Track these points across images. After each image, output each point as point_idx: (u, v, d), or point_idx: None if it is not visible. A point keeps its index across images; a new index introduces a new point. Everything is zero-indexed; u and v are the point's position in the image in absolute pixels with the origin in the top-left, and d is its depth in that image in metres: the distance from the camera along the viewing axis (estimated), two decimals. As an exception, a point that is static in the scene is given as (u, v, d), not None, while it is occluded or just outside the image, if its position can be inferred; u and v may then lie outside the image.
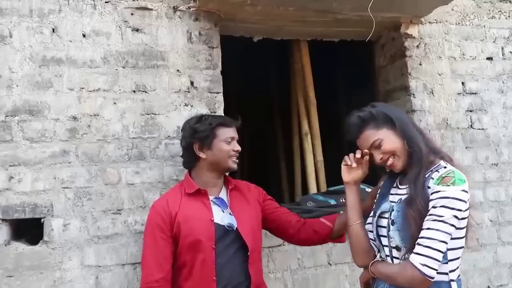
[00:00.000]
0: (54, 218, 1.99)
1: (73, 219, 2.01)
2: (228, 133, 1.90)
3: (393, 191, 1.59)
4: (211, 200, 1.85)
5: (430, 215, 1.36)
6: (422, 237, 1.35)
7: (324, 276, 2.33)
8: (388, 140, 1.51)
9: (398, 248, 1.46)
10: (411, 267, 1.34)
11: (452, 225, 1.34)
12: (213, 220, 1.78)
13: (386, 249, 1.52)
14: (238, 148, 1.92)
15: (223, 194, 1.91)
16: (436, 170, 1.44)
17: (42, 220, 1.99)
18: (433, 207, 1.36)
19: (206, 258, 1.73)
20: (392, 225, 1.46)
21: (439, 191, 1.37)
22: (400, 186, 1.57)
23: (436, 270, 1.34)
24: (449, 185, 1.36)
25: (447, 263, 1.40)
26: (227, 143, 1.88)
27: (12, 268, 1.92)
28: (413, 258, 1.35)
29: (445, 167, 1.44)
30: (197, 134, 1.88)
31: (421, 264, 1.33)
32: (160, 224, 1.77)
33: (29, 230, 2.00)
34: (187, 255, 1.76)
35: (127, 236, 2.06)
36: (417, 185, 1.42)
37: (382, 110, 1.56)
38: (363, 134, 1.56)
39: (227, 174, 1.99)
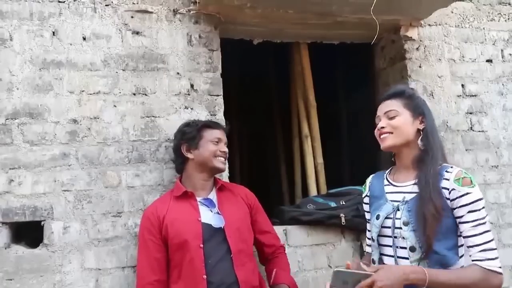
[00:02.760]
0: (54, 221, 1.99)
1: (73, 222, 2.01)
2: (215, 134, 1.96)
3: (388, 189, 1.58)
4: (199, 201, 1.89)
5: (476, 220, 1.38)
6: (485, 243, 1.38)
7: (324, 278, 2.32)
8: (402, 119, 1.52)
9: (412, 249, 1.43)
10: (493, 274, 1.36)
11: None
12: (200, 220, 1.82)
13: (389, 249, 1.50)
14: (225, 149, 1.98)
15: (212, 195, 1.94)
16: (446, 170, 1.45)
17: (42, 223, 1.98)
18: (471, 211, 1.38)
19: (194, 257, 1.76)
20: (406, 225, 1.44)
21: (468, 193, 1.39)
22: (396, 184, 1.56)
23: None
24: (473, 187, 1.40)
25: (458, 260, 1.42)
26: (214, 143, 1.94)
27: (12, 271, 1.92)
28: (491, 264, 1.36)
29: (451, 167, 1.46)
30: (184, 135, 1.96)
31: (499, 267, 1.38)
32: (149, 228, 1.84)
33: (29, 233, 2.00)
34: (176, 256, 1.80)
35: (127, 239, 2.06)
36: (431, 184, 1.43)
37: (422, 101, 1.58)
38: (390, 101, 1.57)
39: (216, 176, 2.03)
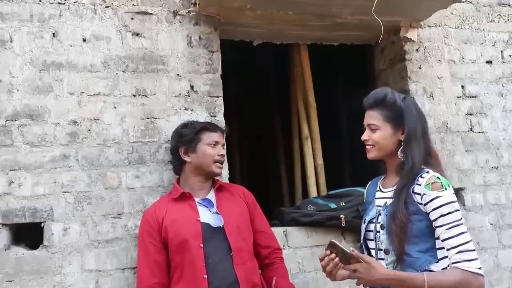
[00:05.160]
0: (54, 222, 1.99)
1: (73, 223, 2.01)
2: (213, 137, 1.95)
3: (377, 195, 1.63)
4: (197, 202, 1.89)
5: (449, 222, 1.40)
6: (461, 244, 1.38)
7: (324, 280, 2.30)
8: (382, 134, 1.55)
9: (386, 251, 1.49)
10: (473, 276, 1.35)
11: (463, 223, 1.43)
12: (199, 220, 1.82)
13: (373, 252, 1.57)
14: (223, 152, 1.98)
15: (210, 195, 1.94)
16: (420, 176, 1.48)
17: (42, 224, 1.98)
18: (443, 214, 1.40)
19: (195, 257, 1.76)
20: (382, 229, 1.50)
21: (438, 197, 1.42)
22: (383, 189, 1.62)
23: None
24: (443, 190, 1.43)
25: (437, 262, 1.45)
26: (211, 146, 1.94)
27: (12, 273, 1.91)
28: (470, 265, 1.36)
29: (427, 172, 1.49)
30: (182, 138, 1.96)
31: (478, 268, 1.37)
32: (148, 230, 1.84)
33: (29, 234, 1.99)
34: (176, 257, 1.80)
35: (127, 240, 2.06)
36: (400, 199, 1.47)
37: (406, 109, 1.56)
38: (372, 111, 1.59)
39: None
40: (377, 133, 1.56)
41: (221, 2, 2.23)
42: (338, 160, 4.22)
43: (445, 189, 1.43)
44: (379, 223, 1.53)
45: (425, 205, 1.44)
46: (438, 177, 1.46)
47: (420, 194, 1.45)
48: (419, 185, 1.46)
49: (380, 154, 1.58)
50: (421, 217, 1.45)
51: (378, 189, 1.65)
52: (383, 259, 1.50)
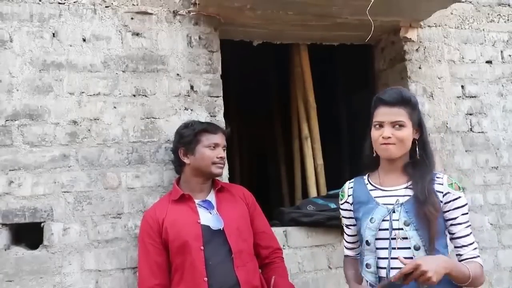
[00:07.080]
0: (54, 222, 1.99)
1: (73, 223, 2.01)
2: (212, 139, 1.93)
3: (375, 193, 1.59)
4: (197, 204, 1.88)
5: (467, 221, 1.51)
6: (474, 242, 1.50)
7: (324, 280, 2.32)
8: (408, 131, 1.54)
9: (417, 247, 1.47)
10: (482, 269, 1.47)
11: None
12: (199, 222, 1.81)
13: (384, 252, 1.52)
14: (223, 155, 1.95)
15: (210, 197, 1.94)
16: (436, 176, 1.55)
17: (42, 224, 1.98)
18: (464, 213, 1.51)
19: (195, 259, 1.76)
20: (407, 225, 1.48)
21: (460, 197, 1.51)
22: (384, 188, 1.58)
23: None
24: (462, 191, 1.53)
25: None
26: (210, 149, 1.91)
27: (12, 273, 1.91)
28: (481, 261, 1.48)
29: (440, 173, 1.58)
30: (182, 139, 1.94)
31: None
32: (149, 231, 1.83)
33: (29, 234, 2.00)
34: (177, 259, 1.79)
35: (127, 240, 2.06)
36: (430, 187, 1.51)
37: (419, 109, 1.63)
38: (397, 108, 1.53)
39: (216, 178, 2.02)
40: (404, 131, 1.52)
41: (221, 2, 2.23)
42: (338, 160, 4.22)
43: (462, 190, 1.53)
44: (396, 220, 1.50)
45: (445, 203, 1.50)
46: (453, 179, 1.56)
47: (442, 193, 1.51)
48: (441, 184, 1.52)
49: (400, 153, 1.54)
50: (441, 214, 1.50)
51: (372, 188, 1.61)
52: (396, 258, 1.45)
